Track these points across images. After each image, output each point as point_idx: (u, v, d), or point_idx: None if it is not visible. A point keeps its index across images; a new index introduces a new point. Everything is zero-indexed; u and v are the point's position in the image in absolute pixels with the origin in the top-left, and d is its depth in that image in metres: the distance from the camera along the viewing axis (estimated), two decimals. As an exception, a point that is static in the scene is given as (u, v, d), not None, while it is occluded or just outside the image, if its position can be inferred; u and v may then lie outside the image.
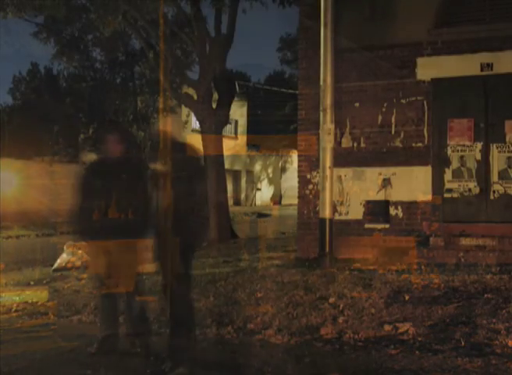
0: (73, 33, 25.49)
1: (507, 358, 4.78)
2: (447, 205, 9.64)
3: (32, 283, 9.17)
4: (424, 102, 9.76)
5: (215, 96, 15.52)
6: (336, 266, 8.50)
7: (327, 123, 9.15)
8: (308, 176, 10.38)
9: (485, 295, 6.45)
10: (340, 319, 5.99)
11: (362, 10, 10.17)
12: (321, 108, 9.26)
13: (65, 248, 10.87)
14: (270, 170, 42.22)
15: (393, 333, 5.54)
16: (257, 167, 41.09)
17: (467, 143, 9.64)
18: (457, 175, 9.68)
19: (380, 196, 9.94)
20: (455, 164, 9.70)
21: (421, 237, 9.49)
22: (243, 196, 39.64)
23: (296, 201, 10.85)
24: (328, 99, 9.17)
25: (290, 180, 34.97)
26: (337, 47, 9.39)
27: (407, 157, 9.83)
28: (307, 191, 10.39)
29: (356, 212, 10.06)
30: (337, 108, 9.54)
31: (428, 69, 9.73)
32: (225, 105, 15.41)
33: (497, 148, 9.49)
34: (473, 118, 9.57)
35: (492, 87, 9.49)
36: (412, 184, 9.74)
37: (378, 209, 9.93)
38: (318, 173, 9.82)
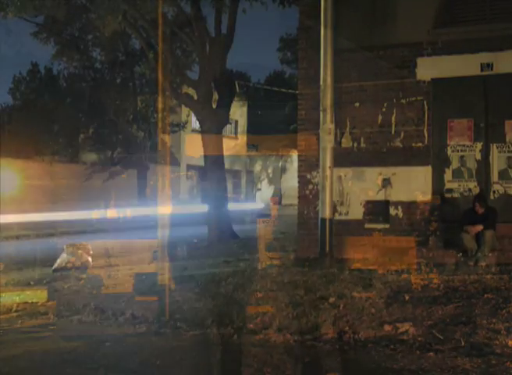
0: (73, 33, 25.54)
1: (507, 358, 4.78)
2: (447, 205, 9.64)
3: (32, 283, 9.16)
4: (424, 102, 9.75)
5: (215, 96, 15.52)
6: (336, 266, 8.50)
7: (327, 123, 9.15)
8: (308, 176, 10.38)
9: (485, 295, 6.45)
10: (340, 319, 5.99)
11: (362, 10, 10.17)
12: (321, 108, 9.26)
13: (65, 248, 10.86)
14: (270, 170, 42.25)
15: (393, 333, 5.54)
16: (257, 167, 41.13)
17: (467, 143, 9.64)
18: (457, 175, 9.68)
19: (380, 196, 9.94)
20: (455, 164, 9.70)
21: (421, 237, 9.49)
22: (243, 196, 39.66)
23: (296, 201, 10.85)
24: (328, 99, 9.17)
25: (290, 180, 34.99)
26: (337, 47, 9.39)
27: (407, 157, 9.83)
28: (307, 191, 10.39)
29: (356, 212, 10.06)
30: (337, 108, 9.54)
31: (428, 69, 9.73)
32: (225, 105, 15.41)
33: (497, 148, 9.49)
34: (473, 118, 9.57)
35: (492, 87, 9.49)
36: (412, 184, 9.74)
37: (378, 209, 9.93)
38: (318, 173, 9.82)
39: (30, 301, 7.70)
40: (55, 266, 10.58)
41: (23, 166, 24.94)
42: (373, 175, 9.98)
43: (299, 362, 4.98)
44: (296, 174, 10.87)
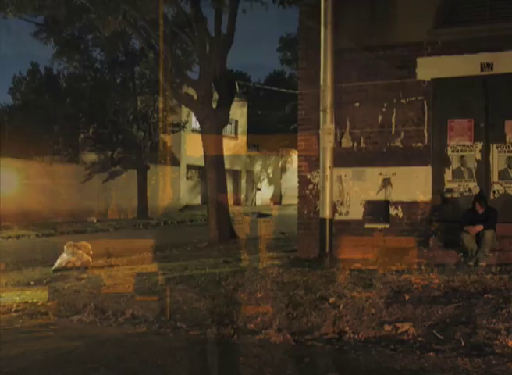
0: (73, 33, 25.51)
1: (507, 358, 4.78)
2: (447, 205, 9.64)
3: (32, 283, 9.17)
4: (424, 102, 9.76)
5: (215, 96, 15.52)
6: (336, 266, 8.49)
7: (327, 123, 9.15)
8: (308, 176, 10.38)
9: (485, 295, 6.45)
10: (340, 319, 5.99)
11: (362, 10, 10.17)
12: (321, 108, 9.26)
13: (65, 248, 10.87)
14: (270, 170, 42.24)
15: (393, 333, 5.54)
16: (257, 167, 41.11)
17: (467, 143, 9.64)
18: (457, 175, 9.68)
19: (380, 196, 9.94)
20: (455, 164, 9.70)
21: (421, 237, 9.49)
22: (243, 196, 39.66)
23: (296, 201, 10.85)
24: (328, 99, 9.17)
25: (290, 180, 35.02)
26: (337, 47, 9.40)
27: (407, 157, 9.83)
28: (307, 191, 10.39)
29: (356, 212, 10.06)
30: (337, 108, 9.54)
31: (428, 69, 9.73)
32: (225, 105, 15.41)
33: (497, 148, 9.49)
34: (473, 118, 9.57)
35: (492, 87, 9.49)
36: (412, 184, 9.74)
37: (378, 209, 9.93)
38: (318, 173, 9.82)
39: (30, 301, 7.70)
40: (55, 265, 10.59)
41: (23, 166, 24.95)
42: (373, 175, 9.99)
43: (299, 362, 4.98)
44: (296, 174, 10.87)
